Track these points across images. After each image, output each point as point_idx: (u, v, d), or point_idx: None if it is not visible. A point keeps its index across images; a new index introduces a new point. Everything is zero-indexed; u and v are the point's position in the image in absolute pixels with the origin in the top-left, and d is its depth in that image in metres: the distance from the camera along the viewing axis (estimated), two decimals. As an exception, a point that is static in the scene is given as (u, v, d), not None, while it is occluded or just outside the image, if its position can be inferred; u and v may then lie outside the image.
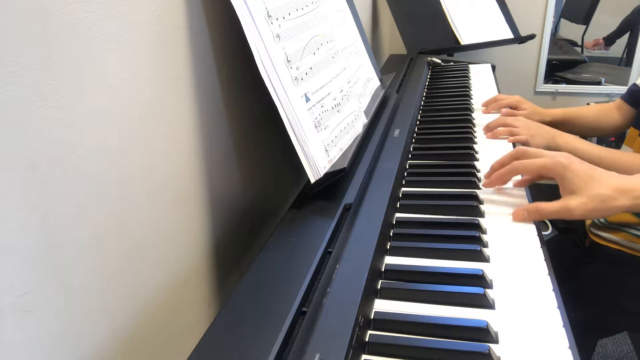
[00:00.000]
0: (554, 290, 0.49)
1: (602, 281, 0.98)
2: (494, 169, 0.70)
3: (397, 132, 0.84)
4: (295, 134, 0.57)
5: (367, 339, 0.44)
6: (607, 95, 2.27)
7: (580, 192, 0.60)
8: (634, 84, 1.09)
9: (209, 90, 0.57)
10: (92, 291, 0.41)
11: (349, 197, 0.61)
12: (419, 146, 0.87)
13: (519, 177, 0.70)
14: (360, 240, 0.53)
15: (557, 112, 1.13)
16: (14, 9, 0.32)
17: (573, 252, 1.09)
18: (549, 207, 0.61)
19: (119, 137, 0.43)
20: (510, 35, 1.69)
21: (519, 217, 0.62)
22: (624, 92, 1.14)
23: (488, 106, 1.07)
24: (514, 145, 0.90)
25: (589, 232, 1.02)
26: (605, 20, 3.28)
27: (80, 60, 0.38)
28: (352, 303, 0.43)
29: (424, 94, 1.16)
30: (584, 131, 1.19)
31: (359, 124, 0.76)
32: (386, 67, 1.40)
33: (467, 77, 1.30)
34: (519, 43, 1.69)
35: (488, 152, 0.84)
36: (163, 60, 0.48)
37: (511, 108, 1.06)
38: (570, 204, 0.60)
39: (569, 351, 0.42)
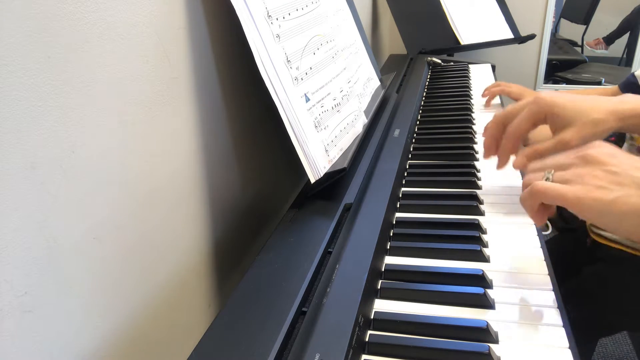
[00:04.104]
0: (554, 290, 0.49)
1: (602, 281, 0.97)
2: (488, 146, 0.66)
3: (397, 132, 0.84)
4: (295, 134, 0.57)
5: (367, 339, 0.44)
6: (607, 95, 2.26)
7: (573, 123, 0.59)
8: (632, 74, 1.08)
9: (208, 90, 0.57)
10: (92, 291, 0.41)
11: (349, 197, 0.61)
12: (419, 146, 0.87)
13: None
14: (360, 240, 0.53)
15: None
16: (14, 9, 0.32)
17: (573, 252, 1.08)
18: (545, 145, 0.60)
19: (118, 137, 0.43)
20: (510, 35, 1.69)
21: (518, 164, 0.61)
22: None
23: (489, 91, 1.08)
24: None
25: (590, 232, 1.02)
26: (606, 20, 3.28)
27: (80, 60, 0.38)
28: (352, 303, 0.43)
29: (424, 94, 1.16)
30: None
31: (359, 124, 0.75)
32: (386, 67, 1.40)
33: (467, 77, 1.30)
34: (519, 43, 1.69)
35: (488, 152, 0.84)
36: (163, 60, 0.48)
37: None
38: (565, 137, 0.59)
39: (569, 351, 0.42)
